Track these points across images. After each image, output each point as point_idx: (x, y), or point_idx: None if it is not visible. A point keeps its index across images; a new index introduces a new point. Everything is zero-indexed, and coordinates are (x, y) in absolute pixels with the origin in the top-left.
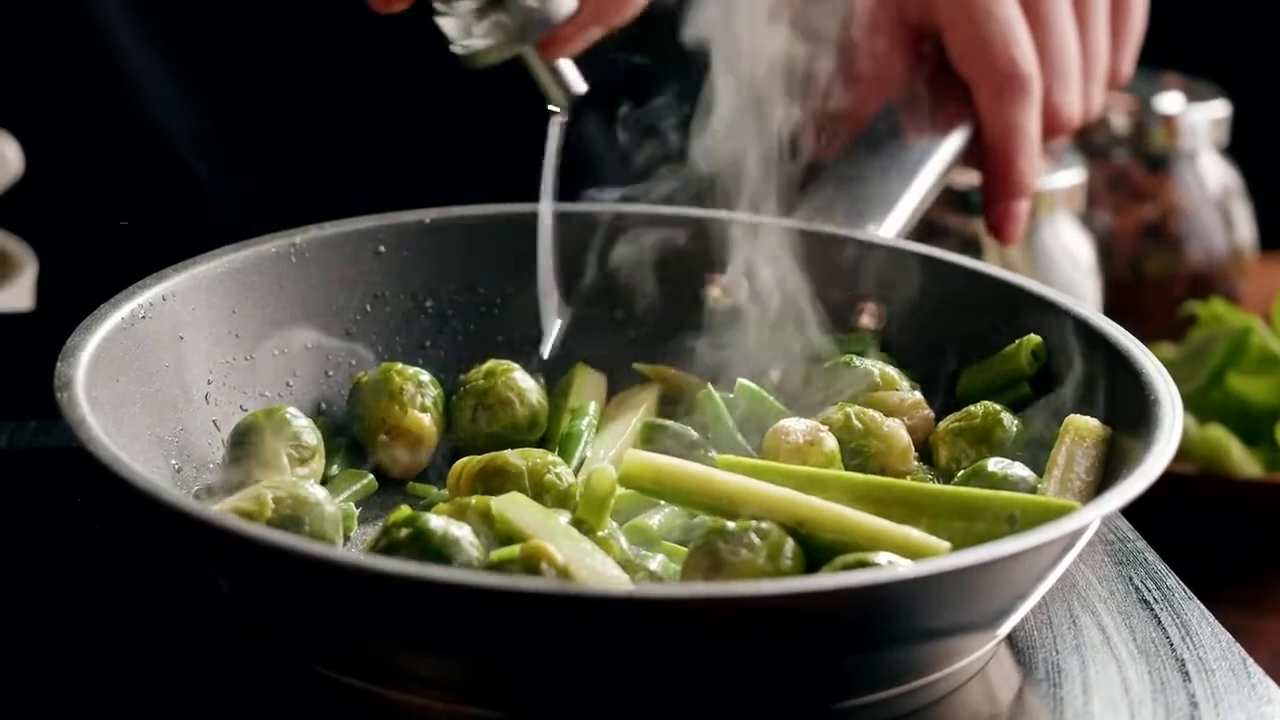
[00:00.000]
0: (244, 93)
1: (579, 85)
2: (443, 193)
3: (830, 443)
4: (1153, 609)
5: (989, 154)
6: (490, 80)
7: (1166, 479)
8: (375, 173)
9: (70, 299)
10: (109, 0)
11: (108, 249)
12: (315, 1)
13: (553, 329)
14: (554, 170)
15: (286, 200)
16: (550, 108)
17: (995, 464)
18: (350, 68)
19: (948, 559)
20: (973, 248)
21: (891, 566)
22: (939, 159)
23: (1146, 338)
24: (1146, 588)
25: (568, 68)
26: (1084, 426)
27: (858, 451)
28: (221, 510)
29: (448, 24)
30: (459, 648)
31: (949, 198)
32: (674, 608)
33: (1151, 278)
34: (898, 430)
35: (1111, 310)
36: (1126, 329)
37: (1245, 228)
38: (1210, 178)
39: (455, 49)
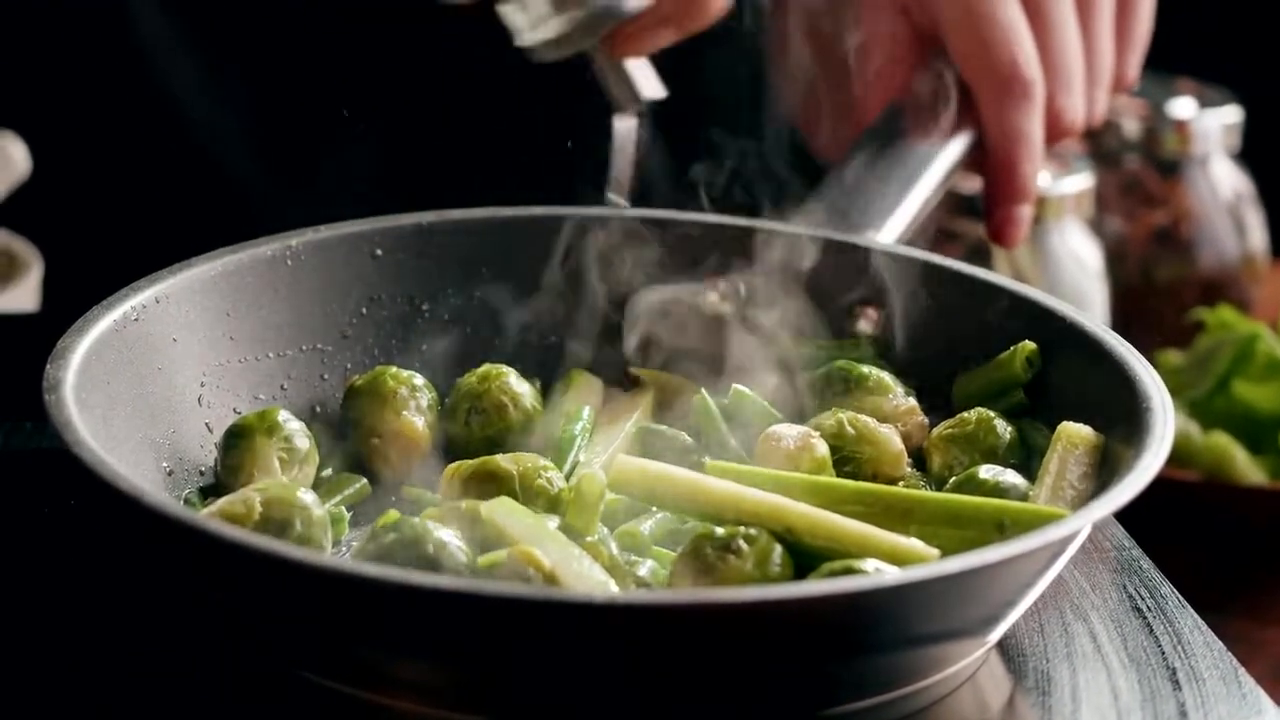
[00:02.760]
0: (257, 95)
1: (652, 90)
2: (452, 195)
3: (821, 449)
4: (1145, 617)
5: (991, 158)
6: (506, 84)
7: (1171, 486)
8: (385, 175)
9: (76, 300)
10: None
11: (114, 250)
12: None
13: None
14: (626, 176)
15: (293, 204)
16: (617, 112)
17: (987, 471)
18: (367, 69)
19: (933, 566)
20: (981, 253)
21: (878, 573)
22: (941, 164)
23: (1157, 344)
24: (1140, 596)
25: (640, 70)
26: (1076, 434)
27: (850, 457)
28: (208, 514)
29: (515, 15)
30: (439, 653)
31: (956, 202)
32: (654, 614)
33: (1162, 284)
34: (890, 436)
35: (1122, 316)
36: (1137, 335)
37: (1257, 234)
38: (1222, 183)
39: (521, 41)
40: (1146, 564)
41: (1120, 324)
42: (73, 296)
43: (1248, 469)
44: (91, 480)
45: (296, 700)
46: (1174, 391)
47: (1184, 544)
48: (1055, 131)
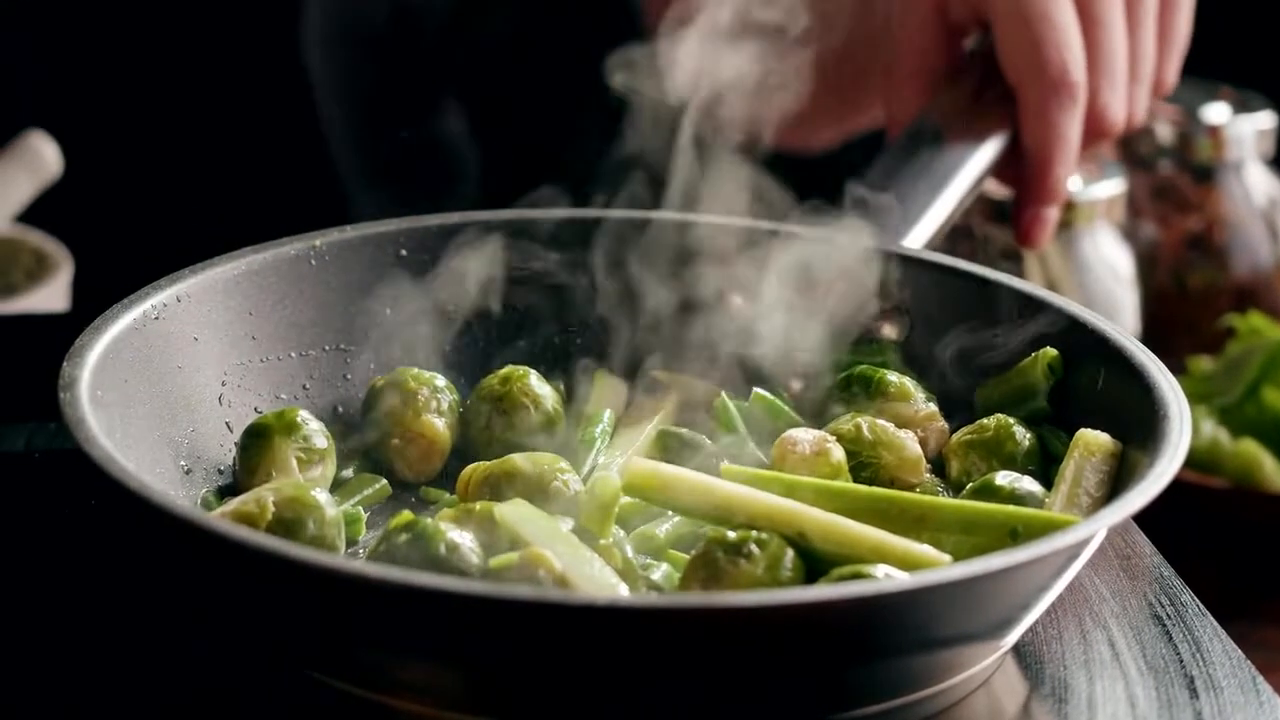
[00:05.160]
0: (281, 98)
1: None
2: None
3: (837, 453)
4: (1164, 625)
5: (1026, 159)
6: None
7: (1199, 492)
8: (393, 179)
9: (106, 301)
10: (150, 4)
11: (144, 251)
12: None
13: None
14: None
15: (320, 204)
16: None
17: (1003, 477)
18: (389, 75)
19: (941, 572)
20: (1011, 258)
21: (885, 579)
22: (973, 167)
23: (1189, 351)
24: (1160, 603)
25: None
26: (1094, 441)
27: (867, 462)
28: (220, 513)
29: None
30: (441, 654)
31: (988, 207)
32: (656, 617)
33: (1195, 290)
34: (908, 442)
35: (1154, 322)
36: (1169, 341)
37: None
38: (1256, 189)
39: None
40: (1168, 571)
41: (1152, 330)
42: (103, 297)
43: (1276, 476)
44: (103, 478)
45: (305, 700)
46: (1204, 398)
47: (1212, 551)
48: (1096, 131)
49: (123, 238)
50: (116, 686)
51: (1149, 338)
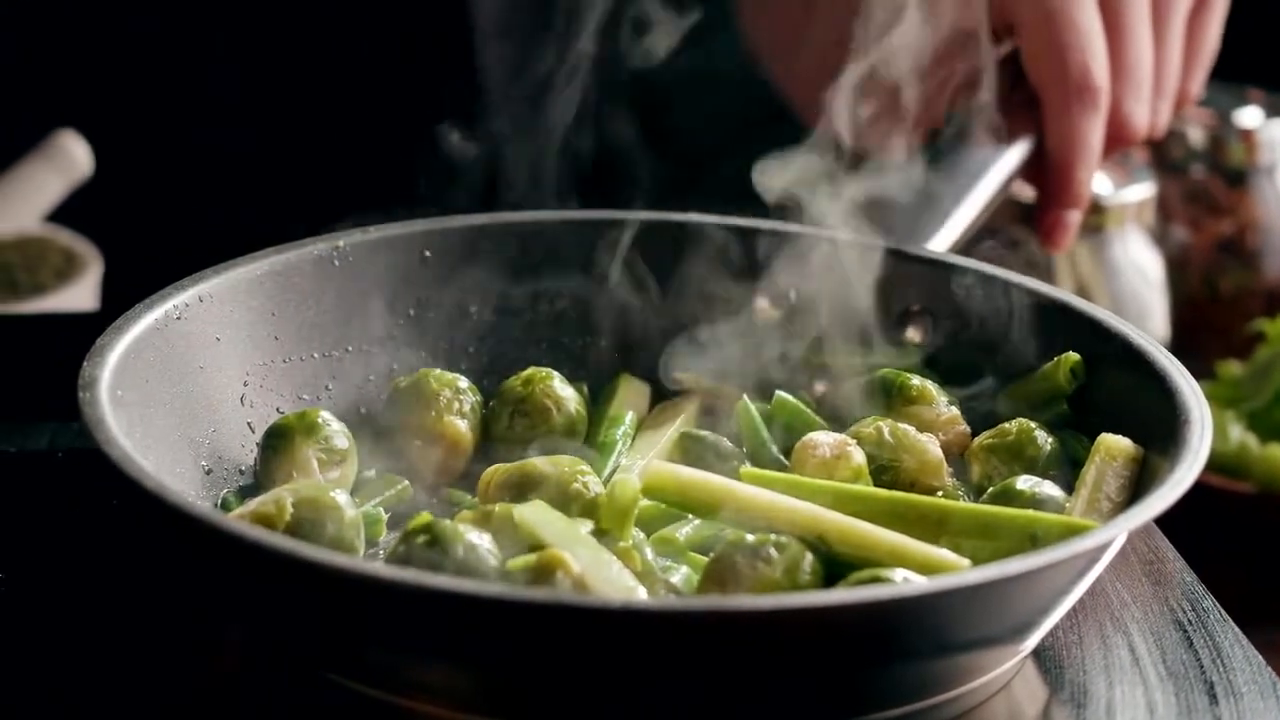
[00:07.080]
0: (311, 98)
1: None
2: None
3: (858, 457)
4: (1185, 631)
5: (1049, 162)
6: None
7: (1226, 497)
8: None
9: (135, 300)
10: (185, 8)
11: (174, 250)
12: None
13: None
14: None
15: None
16: None
17: (1024, 482)
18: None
19: (957, 577)
20: (1039, 263)
21: (901, 583)
22: (998, 172)
23: (1219, 355)
24: (1182, 609)
25: None
26: (1115, 446)
27: (889, 466)
28: (239, 514)
29: None
30: (457, 656)
31: (1019, 211)
32: (672, 620)
33: (1227, 294)
34: (930, 445)
35: (1184, 327)
36: (1199, 345)
37: None
38: None
39: None
40: (1190, 577)
41: (1182, 334)
42: (132, 296)
43: None
44: (121, 478)
45: (318, 701)
46: (1233, 403)
47: (1238, 555)
48: (1118, 138)
49: (153, 237)
50: (128, 685)
51: (1179, 342)
